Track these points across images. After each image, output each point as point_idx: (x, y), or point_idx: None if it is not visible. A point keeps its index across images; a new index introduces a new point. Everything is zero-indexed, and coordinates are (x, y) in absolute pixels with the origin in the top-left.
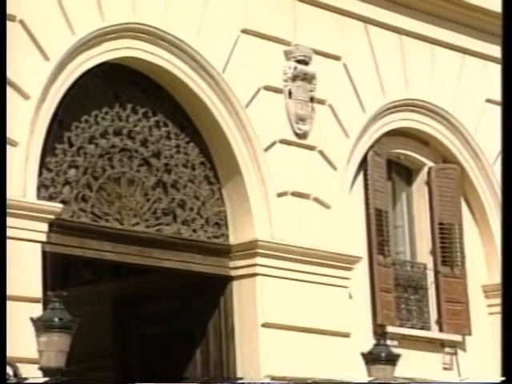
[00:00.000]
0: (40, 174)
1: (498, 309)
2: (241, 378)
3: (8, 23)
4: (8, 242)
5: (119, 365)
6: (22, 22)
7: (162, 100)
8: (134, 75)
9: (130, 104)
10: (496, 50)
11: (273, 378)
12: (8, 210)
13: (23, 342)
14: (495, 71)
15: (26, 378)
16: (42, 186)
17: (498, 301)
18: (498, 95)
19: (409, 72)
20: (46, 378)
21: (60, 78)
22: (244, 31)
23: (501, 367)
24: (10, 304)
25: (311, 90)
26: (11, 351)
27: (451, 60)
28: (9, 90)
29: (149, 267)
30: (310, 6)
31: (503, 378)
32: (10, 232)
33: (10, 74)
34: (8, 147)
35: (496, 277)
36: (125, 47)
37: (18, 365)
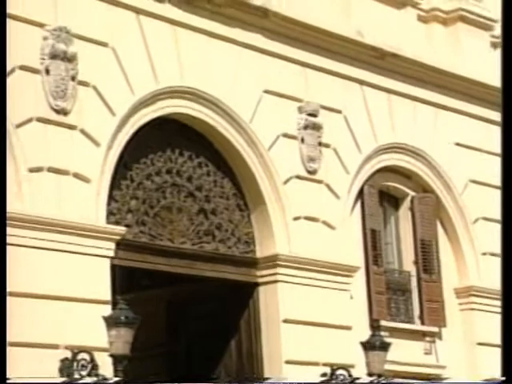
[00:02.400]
0: (109, 204)
1: (467, 306)
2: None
3: (82, 88)
4: (84, 257)
5: (170, 353)
6: (94, 87)
7: (202, 145)
8: (182, 127)
9: (178, 149)
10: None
11: (291, 362)
12: (83, 233)
13: (97, 334)
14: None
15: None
16: (110, 214)
17: (467, 300)
18: (467, 139)
19: (396, 120)
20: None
21: (124, 129)
22: (266, 91)
23: (501, 367)
24: (86, 305)
25: (319, 137)
26: (88, 342)
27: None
28: (83, 139)
29: (193, 276)
30: (317, 71)
31: (503, 378)
32: (85, 250)
33: (86, 127)
34: (82, 183)
35: (465, 281)
36: (174, 105)
37: (94, 352)
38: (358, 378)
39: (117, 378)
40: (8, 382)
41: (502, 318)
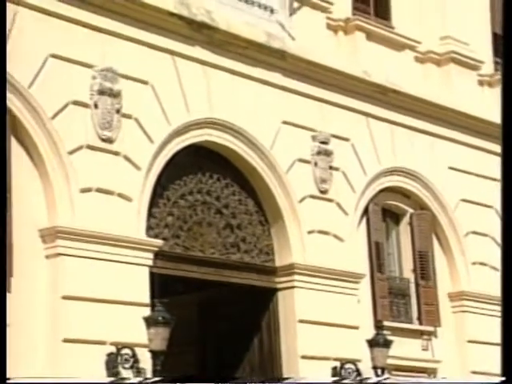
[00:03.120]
0: (148, 219)
1: (459, 309)
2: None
3: (125, 120)
4: (126, 266)
5: (200, 350)
6: (136, 119)
7: (229, 169)
8: (211, 153)
9: (208, 172)
10: None
11: (306, 357)
12: (126, 244)
13: (138, 332)
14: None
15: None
16: (149, 228)
17: (459, 303)
18: (459, 164)
19: (396, 147)
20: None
21: (161, 155)
22: (284, 122)
23: (501, 367)
24: (128, 307)
25: (330, 161)
26: (130, 339)
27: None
28: (126, 163)
29: (221, 282)
30: (329, 105)
31: (503, 378)
32: (128, 259)
33: (128, 153)
34: (125, 202)
35: (457, 287)
36: (204, 134)
37: (135, 348)
38: (367, 378)
39: (157, 378)
40: (8, 382)
41: (502, 318)
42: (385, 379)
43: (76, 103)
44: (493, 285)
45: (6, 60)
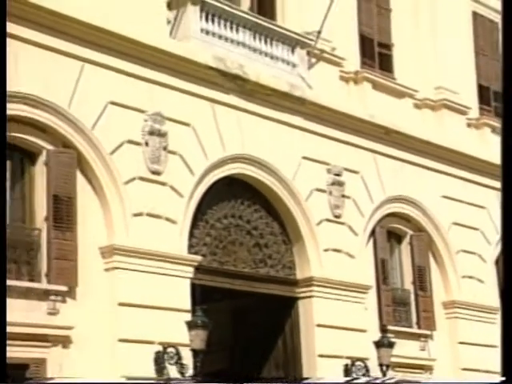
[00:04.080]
0: (189, 239)
1: (452, 315)
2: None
3: (171, 155)
4: (171, 278)
5: (233, 349)
6: (180, 155)
7: (257, 196)
8: (242, 183)
9: (240, 199)
10: None
11: (322, 356)
12: (171, 260)
13: (181, 334)
14: (437, 177)
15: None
16: (190, 246)
17: (452, 311)
18: (451, 193)
19: (399, 178)
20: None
21: (201, 185)
22: (304, 157)
23: (501, 367)
24: (173, 313)
25: (342, 191)
26: (175, 339)
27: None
28: (171, 192)
29: (251, 292)
30: (340, 143)
31: (503, 378)
32: (172, 272)
33: (173, 183)
34: (171, 224)
35: (450, 296)
36: (237, 167)
37: (179, 347)
38: (376, 378)
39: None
40: (8, 382)
41: (502, 318)
42: (390, 378)
43: (130, 142)
44: (480, 295)
45: (5, 61)
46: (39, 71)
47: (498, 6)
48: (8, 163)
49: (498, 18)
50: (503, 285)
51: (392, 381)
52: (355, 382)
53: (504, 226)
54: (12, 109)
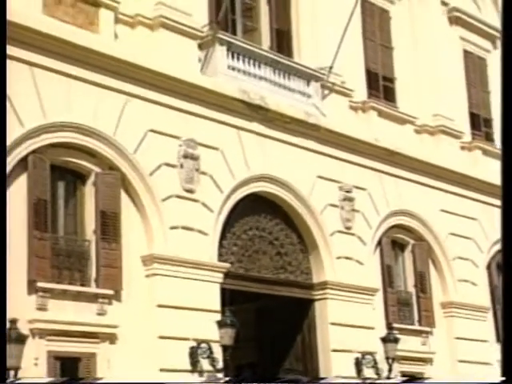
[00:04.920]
0: (219, 249)
1: (449, 314)
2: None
3: (202, 176)
4: (203, 283)
5: (258, 345)
6: (210, 176)
7: (278, 211)
8: (265, 199)
9: (263, 214)
10: None
11: (336, 350)
12: (203, 267)
13: (212, 332)
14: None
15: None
16: (220, 255)
17: (449, 310)
18: (448, 207)
19: (401, 194)
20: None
21: (229, 201)
22: (319, 176)
23: (501, 367)
24: (205, 313)
25: (352, 205)
26: (207, 336)
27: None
28: (203, 208)
29: (273, 295)
30: (350, 164)
31: (503, 378)
32: (204, 278)
33: (205, 200)
34: (203, 236)
35: (447, 297)
36: (261, 186)
37: (211, 343)
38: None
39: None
40: (8, 381)
41: (502, 318)
42: (395, 377)
43: (167, 164)
44: (473, 296)
45: (5, 64)
46: (89, 104)
47: (486, 44)
48: (61, 184)
49: (485, 55)
50: (503, 285)
51: (399, 380)
52: (369, 382)
53: (504, 226)
54: (65, 136)
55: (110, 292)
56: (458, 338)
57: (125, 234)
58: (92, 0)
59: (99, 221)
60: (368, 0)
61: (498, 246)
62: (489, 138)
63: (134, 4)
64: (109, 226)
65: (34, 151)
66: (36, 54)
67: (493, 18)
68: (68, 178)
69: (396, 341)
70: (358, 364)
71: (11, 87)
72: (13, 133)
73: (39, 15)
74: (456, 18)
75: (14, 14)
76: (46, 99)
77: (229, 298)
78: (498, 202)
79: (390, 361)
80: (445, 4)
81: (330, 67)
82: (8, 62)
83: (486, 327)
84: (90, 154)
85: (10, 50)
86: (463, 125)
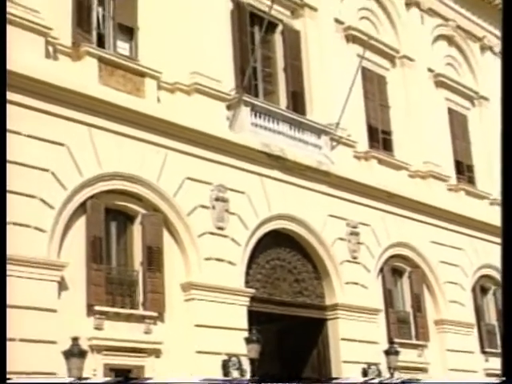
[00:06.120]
0: (246, 276)
1: (441, 330)
2: (336, 378)
3: (231, 216)
4: (233, 306)
5: (280, 358)
6: (238, 215)
7: (296, 244)
8: (285, 235)
9: (283, 247)
10: None
11: (346, 362)
12: (233, 292)
13: (241, 347)
14: (427, 227)
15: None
16: (246, 282)
17: (441, 326)
18: (437, 239)
19: (399, 227)
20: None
21: (254, 237)
22: (330, 215)
23: (501, 367)
24: (235, 331)
25: (358, 239)
26: (237, 351)
27: None
28: (231, 243)
29: (292, 316)
30: (356, 204)
31: (503, 378)
32: (234, 301)
33: (233, 236)
34: (232, 266)
35: (439, 316)
36: (281, 223)
37: (240, 357)
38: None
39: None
40: (8, 382)
41: (503, 318)
42: (398, 379)
43: (202, 206)
44: (462, 314)
45: (5, 67)
46: (136, 156)
47: (466, 103)
48: (114, 223)
49: (466, 112)
50: (503, 285)
51: (398, 381)
52: (372, 381)
53: (504, 226)
54: (117, 184)
55: (155, 314)
56: (448, 350)
57: (167, 265)
58: (139, 71)
59: (145, 254)
60: (367, 68)
61: (481, 272)
62: (471, 181)
63: (173, 73)
64: (153, 258)
65: (91, 197)
66: (92, 116)
67: (471, 81)
68: (119, 219)
69: (397, 353)
70: (365, 373)
71: (72, 144)
72: (73, 181)
73: (96, 84)
74: (441, 82)
75: (72, 83)
76: (100, 153)
77: (255, 318)
78: (481, 235)
79: (392, 370)
80: (431, 70)
81: (337, 123)
82: (70, 124)
83: (472, 340)
84: (138, 198)
85: (72, 113)
86: (449, 170)
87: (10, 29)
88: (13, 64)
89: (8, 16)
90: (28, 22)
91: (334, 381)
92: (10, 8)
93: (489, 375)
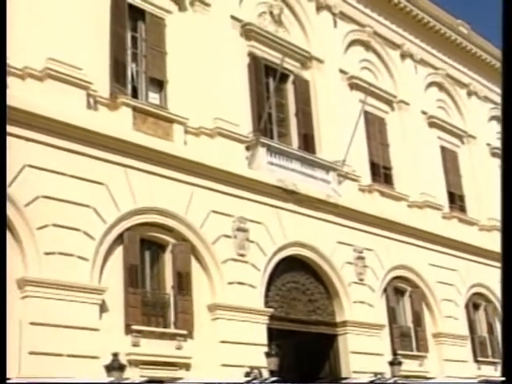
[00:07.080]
0: (265, 298)
1: (439, 342)
2: (346, 378)
3: (251, 244)
4: (255, 324)
5: (297, 369)
6: (257, 243)
7: (308, 268)
8: (298, 260)
9: (297, 271)
10: None
11: (356, 372)
12: (254, 312)
13: (261, 360)
14: (423, 252)
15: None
16: (266, 303)
17: (439, 339)
18: (434, 261)
19: (398, 253)
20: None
21: (271, 262)
22: (338, 242)
23: (501, 367)
24: (256, 347)
25: (364, 263)
26: (257, 363)
27: None
28: (251, 268)
29: (307, 332)
30: (362, 232)
31: (503, 378)
32: (255, 320)
33: (253, 262)
34: (253, 289)
35: (437, 329)
36: (293, 250)
37: (261, 369)
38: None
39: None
40: (8, 382)
41: (503, 318)
42: (395, 381)
43: (225, 235)
44: (457, 328)
45: (5, 66)
46: (166, 193)
47: (456, 141)
48: (148, 252)
49: (457, 150)
50: (502, 286)
51: (399, 380)
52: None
53: (505, 226)
54: (150, 217)
55: (185, 332)
56: (446, 360)
57: (195, 289)
58: (168, 118)
59: (176, 279)
60: (369, 111)
61: (473, 290)
62: (462, 209)
63: (198, 119)
64: (183, 282)
65: (127, 229)
66: (127, 158)
67: (460, 122)
68: (152, 248)
69: (400, 364)
70: (372, 382)
71: (110, 183)
72: (112, 215)
73: (131, 130)
74: (433, 123)
75: (110, 130)
76: (135, 190)
77: (273, 334)
78: (472, 257)
79: (395, 378)
80: (424, 113)
81: (344, 160)
82: (108, 165)
83: (466, 351)
84: (168, 229)
85: (110, 156)
86: (443, 200)
87: (56, 84)
88: (60, 114)
89: (55, 73)
90: (72, 77)
91: (343, 381)
92: (58, 67)
93: (481, 381)
